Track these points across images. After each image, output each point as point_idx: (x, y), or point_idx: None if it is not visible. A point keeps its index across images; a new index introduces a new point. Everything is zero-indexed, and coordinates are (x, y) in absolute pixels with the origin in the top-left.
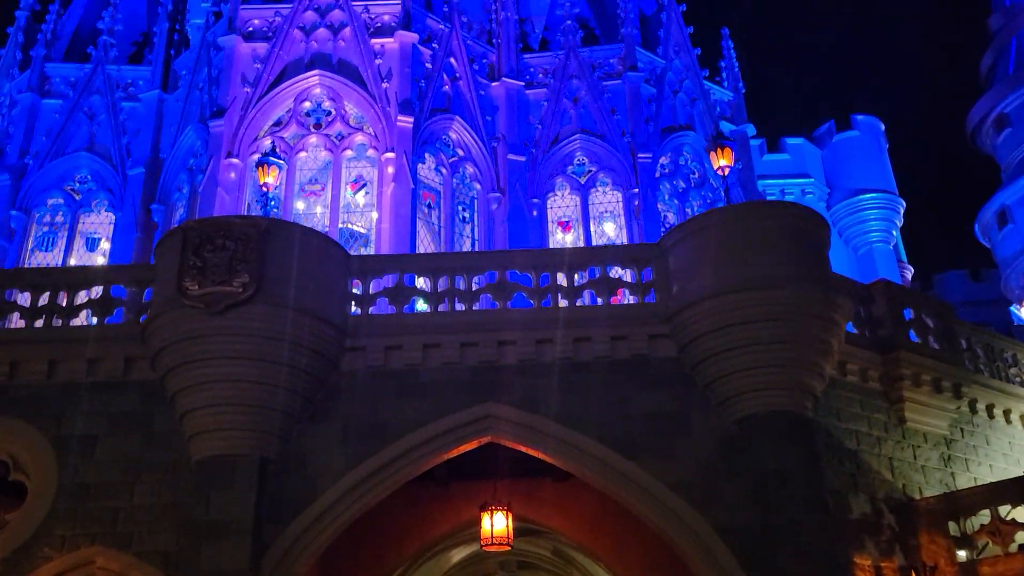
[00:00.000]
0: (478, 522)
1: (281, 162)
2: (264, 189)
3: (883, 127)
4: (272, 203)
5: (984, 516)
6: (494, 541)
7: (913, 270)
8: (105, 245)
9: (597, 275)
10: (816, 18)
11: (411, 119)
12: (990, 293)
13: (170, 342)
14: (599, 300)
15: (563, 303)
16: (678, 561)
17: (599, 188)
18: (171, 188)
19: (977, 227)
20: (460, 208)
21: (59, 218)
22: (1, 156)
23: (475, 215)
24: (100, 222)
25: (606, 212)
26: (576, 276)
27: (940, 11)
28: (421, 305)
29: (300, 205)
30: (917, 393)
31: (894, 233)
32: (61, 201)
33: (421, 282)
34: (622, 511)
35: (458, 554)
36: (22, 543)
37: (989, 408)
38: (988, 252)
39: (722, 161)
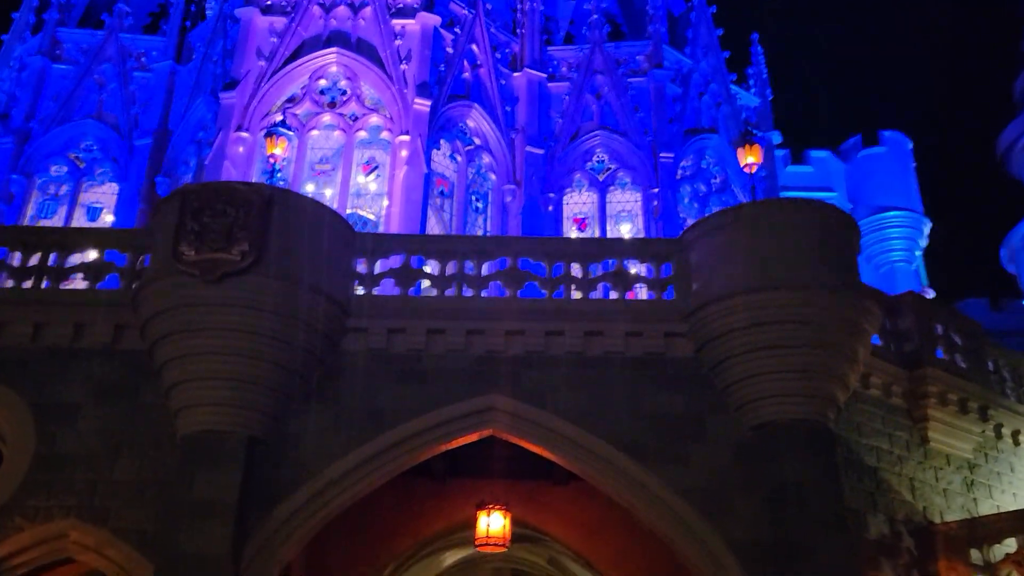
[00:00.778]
0: (474, 522)
1: (290, 134)
2: (272, 161)
3: (911, 144)
4: (279, 175)
5: (1009, 545)
6: (489, 541)
7: (934, 293)
8: (108, 217)
9: (613, 268)
10: (848, 31)
11: (428, 103)
12: (1010, 323)
13: (161, 310)
14: (614, 294)
15: (576, 295)
16: (682, 575)
17: (617, 187)
18: (178, 161)
19: (1004, 252)
20: (473, 198)
21: (63, 189)
22: (6, 119)
23: (488, 207)
24: (103, 192)
25: (624, 212)
26: (591, 268)
27: (973, 33)
28: (428, 289)
29: (310, 187)
30: (942, 413)
31: (917, 254)
32: (64, 169)
33: (429, 268)
34: (625, 520)
35: (451, 557)
36: None
37: (1015, 434)
38: (1010, 280)
39: (750, 158)
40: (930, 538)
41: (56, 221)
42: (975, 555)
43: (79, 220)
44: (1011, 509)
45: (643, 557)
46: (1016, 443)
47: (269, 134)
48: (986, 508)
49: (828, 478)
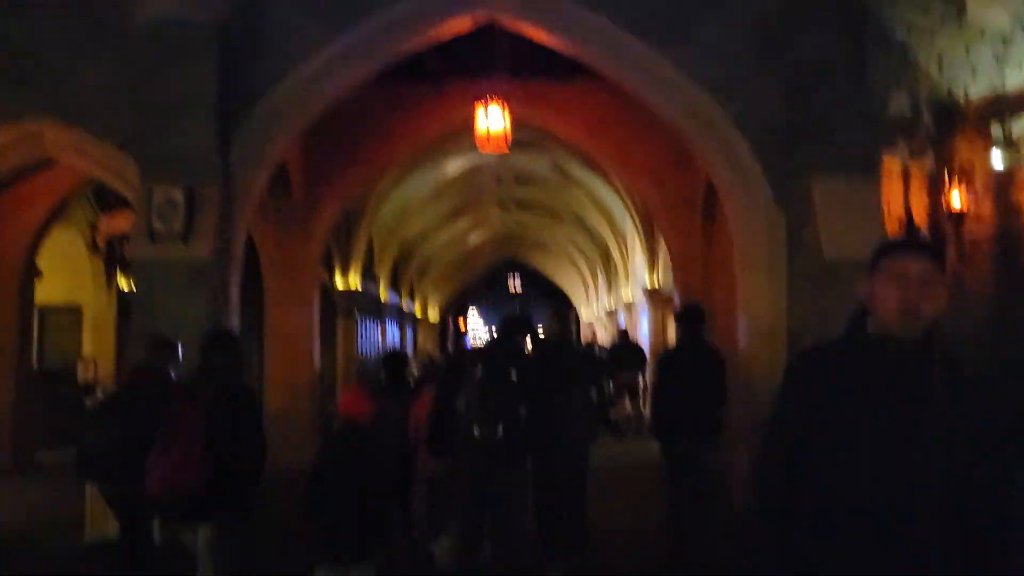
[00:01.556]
0: (473, 123)
1: None
2: None
3: None
4: None
5: None
6: (490, 141)
7: None
8: None
9: None
10: None
11: None
12: None
13: None
14: None
15: None
16: (684, 169)
17: None
18: None
19: None
20: None
21: None
22: None
23: None
24: None
25: None
26: None
27: None
28: None
29: None
30: None
31: None
32: None
33: None
34: (628, 116)
35: (452, 165)
36: None
37: None
38: None
39: None
40: (951, 114)
41: None
42: (996, 131)
43: None
44: None
45: (646, 151)
46: None
47: None
48: (1014, 84)
49: (853, 55)
